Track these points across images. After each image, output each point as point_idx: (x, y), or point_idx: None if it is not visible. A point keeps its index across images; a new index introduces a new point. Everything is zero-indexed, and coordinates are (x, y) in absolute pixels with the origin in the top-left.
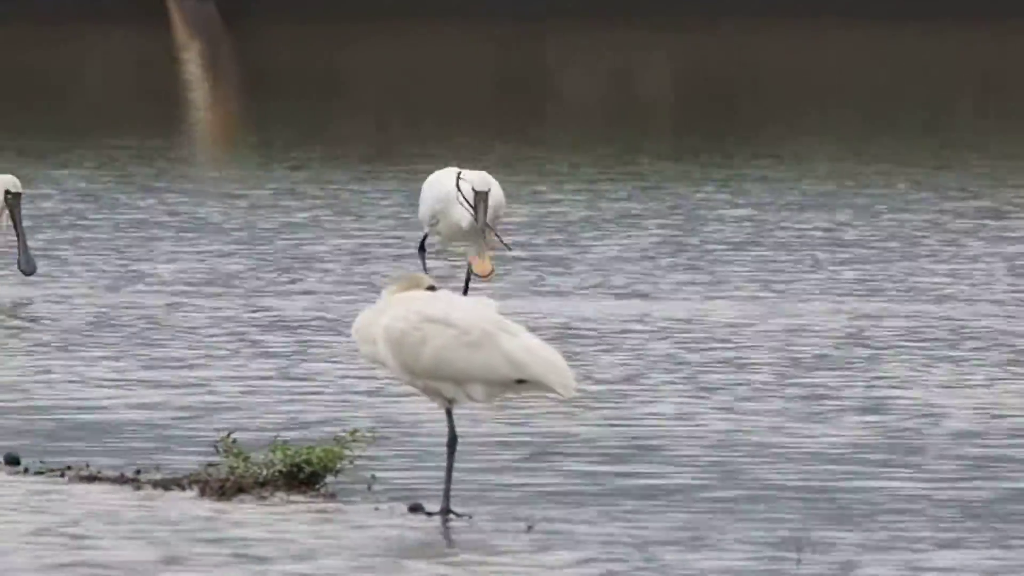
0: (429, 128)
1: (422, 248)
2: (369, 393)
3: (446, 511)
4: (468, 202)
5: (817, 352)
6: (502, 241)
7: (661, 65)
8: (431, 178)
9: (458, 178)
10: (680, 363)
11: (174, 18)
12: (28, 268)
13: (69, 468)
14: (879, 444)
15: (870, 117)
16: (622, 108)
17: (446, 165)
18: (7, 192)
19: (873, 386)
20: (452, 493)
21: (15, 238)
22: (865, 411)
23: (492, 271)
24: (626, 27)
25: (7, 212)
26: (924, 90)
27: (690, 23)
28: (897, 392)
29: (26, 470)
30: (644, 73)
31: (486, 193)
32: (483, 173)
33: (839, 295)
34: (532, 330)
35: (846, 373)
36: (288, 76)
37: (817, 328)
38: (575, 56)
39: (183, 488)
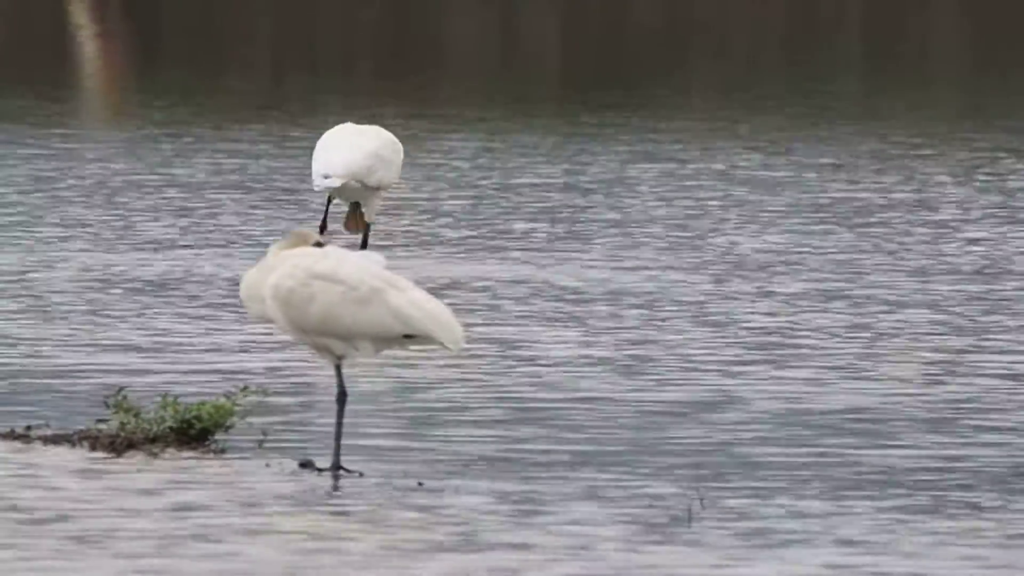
0: (319, 82)
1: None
2: (258, 349)
3: (336, 467)
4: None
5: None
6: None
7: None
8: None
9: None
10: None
11: None
12: None
13: None
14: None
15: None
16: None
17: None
18: None
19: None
20: (343, 449)
21: None
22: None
23: (357, 229)
24: None
25: None
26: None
27: None
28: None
29: None
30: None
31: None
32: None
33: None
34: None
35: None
36: (176, 25)
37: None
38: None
39: (73, 444)
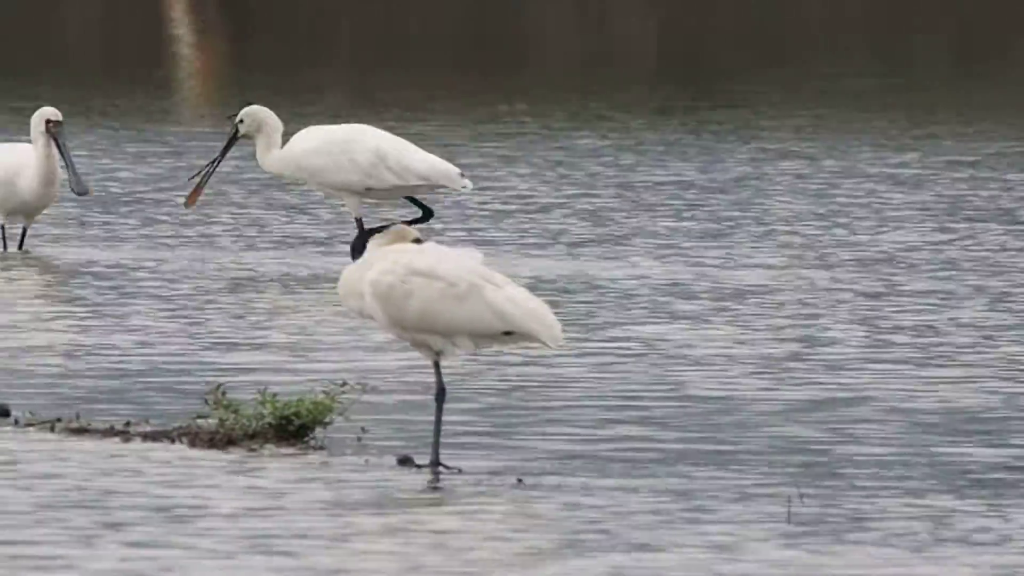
0: (409, 78)
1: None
2: (356, 346)
3: (435, 463)
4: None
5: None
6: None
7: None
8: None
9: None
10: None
11: None
12: (80, 189)
13: (59, 420)
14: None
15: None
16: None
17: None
18: (48, 121)
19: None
20: (441, 445)
21: (65, 165)
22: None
23: (192, 203)
24: None
25: (52, 141)
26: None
27: None
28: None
29: (16, 422)
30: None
31: (233, 135)
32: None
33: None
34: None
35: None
36: (271, 22)
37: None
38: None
39: (172, 440)
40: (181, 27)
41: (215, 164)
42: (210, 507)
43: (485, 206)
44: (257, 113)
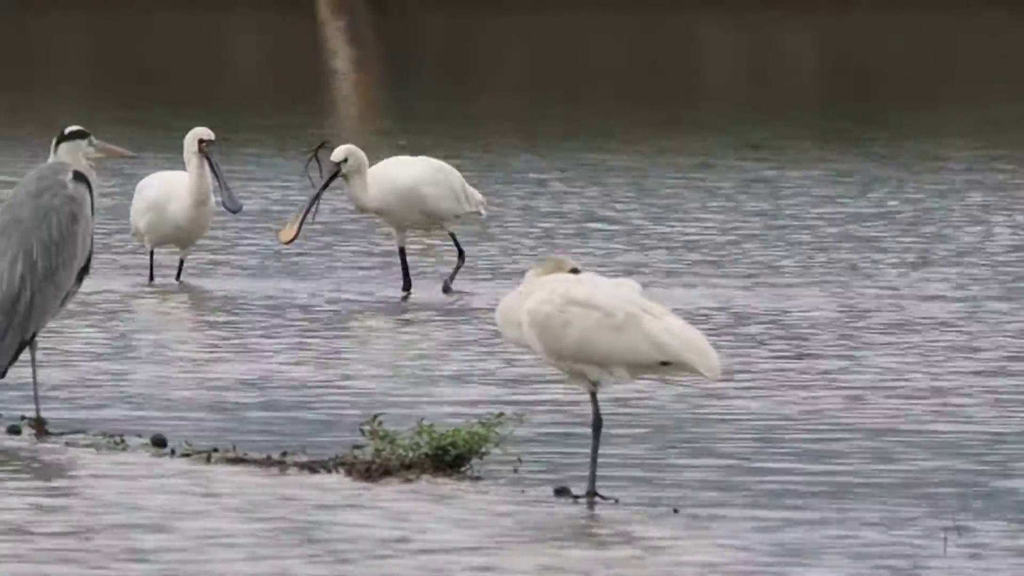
0: (577, 112)
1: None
2: (513, 375)
3: (592, 494)
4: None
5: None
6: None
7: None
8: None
9: (319, 148)
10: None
11: None
12: (233, 206)
13: (215, 450)
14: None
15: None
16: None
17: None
18: (200, 140)
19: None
20: (598, 476)
21: (218, 183)
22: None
23: (292, 238)
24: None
25: (205, 160)
26: None
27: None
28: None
29: (172, 452)
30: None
31: (338, 164)
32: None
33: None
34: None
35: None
36: (430, 55)
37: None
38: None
39: (329, 471)
40: (340, 59)
41: (316, 201)
42: (375, 536)
43: (670, 237)
44: (358, 152)
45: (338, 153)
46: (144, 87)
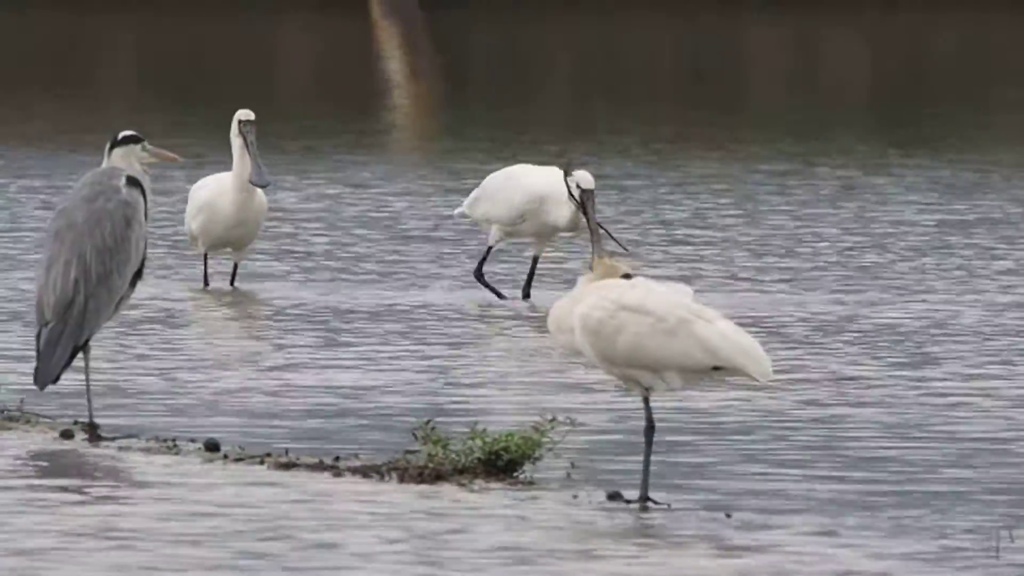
0: (626, 115)
1: (481, 273)
2: (564, 380)
3: (644, 499)
4: (575, 200)
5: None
6: (617, 241)
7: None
8: (506, 175)
9: (566, 175)
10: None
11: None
12: (261, 181)
13: (268, 455)
14: None
15: None
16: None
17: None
18: (240, 121)
19: None
20: (651, 481)
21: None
22: None
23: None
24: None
25: (244, 140)
26: None
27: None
28: None
29: (225, 456)
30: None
31: (593, 191)
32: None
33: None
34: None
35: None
36: (482, 58)
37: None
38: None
39: (382, 475)
40: (394, 66)
41: (601, 229)
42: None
43: (742, 243)
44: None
45: (589, 181)
46: (196, 91)
